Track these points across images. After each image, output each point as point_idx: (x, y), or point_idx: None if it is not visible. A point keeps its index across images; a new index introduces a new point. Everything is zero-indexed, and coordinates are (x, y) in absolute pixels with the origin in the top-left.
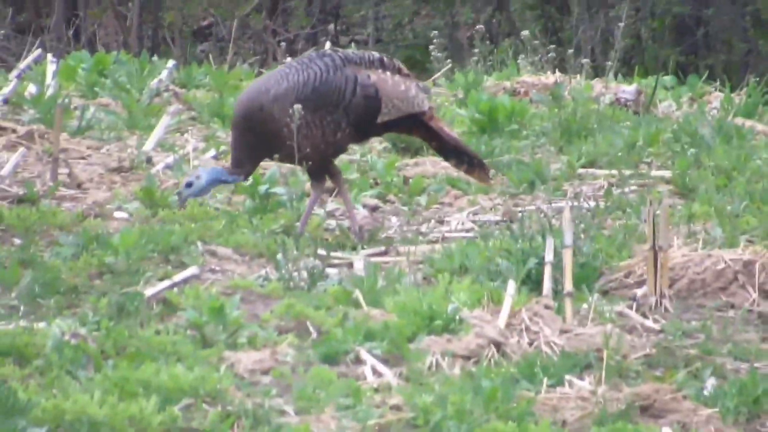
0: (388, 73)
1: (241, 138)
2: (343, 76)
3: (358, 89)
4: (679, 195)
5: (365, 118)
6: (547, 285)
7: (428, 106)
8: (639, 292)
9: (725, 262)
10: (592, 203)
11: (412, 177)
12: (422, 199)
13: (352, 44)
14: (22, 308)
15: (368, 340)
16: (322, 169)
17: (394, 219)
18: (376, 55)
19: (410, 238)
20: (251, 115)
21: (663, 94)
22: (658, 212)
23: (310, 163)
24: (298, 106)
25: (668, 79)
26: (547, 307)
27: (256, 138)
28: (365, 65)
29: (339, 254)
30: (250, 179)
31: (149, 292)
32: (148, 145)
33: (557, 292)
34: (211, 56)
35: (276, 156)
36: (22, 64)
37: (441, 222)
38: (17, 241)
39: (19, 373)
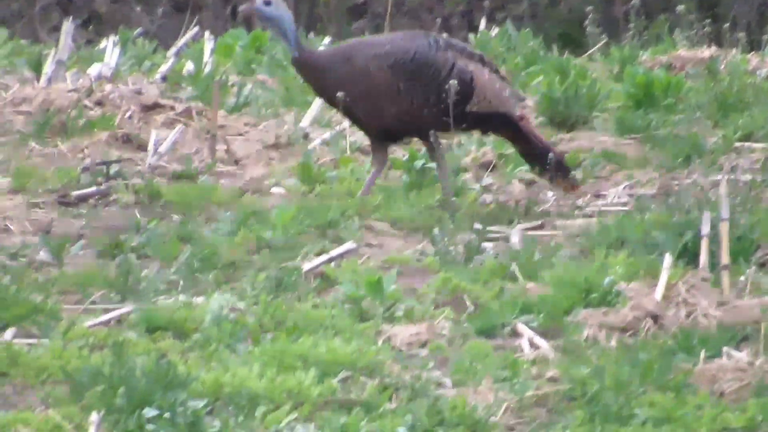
0: (487, 69)
1: (331, 55)
2: (444, 56)
3: (455, 71)
4: None
5: (455, 103)
6: (703, 258)
7: (519, 113)
8: None
9: None
10: (749, 176)
11: (567, 151)
12: (578, 173)
13: (508, 20)
14: (181, 283)
15: (525, 313)
16: (383, 145)
17: (549, 193)
18: (479, 52)
19: (566, 212)
20: (348, 57)
21: None
22: None
23: (379, 130)
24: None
25: None
26: (704, 279)
27: (340, 73)
28: (467, 55)
29: (495, 228)
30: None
31: (307, 266)
32: (305, 121)
33: (714, 265)
34: (366, 33)
35: (344, 111)
36: (180, 42)
37: (597, 196)
38: (176, 217)
39: (178, 346)
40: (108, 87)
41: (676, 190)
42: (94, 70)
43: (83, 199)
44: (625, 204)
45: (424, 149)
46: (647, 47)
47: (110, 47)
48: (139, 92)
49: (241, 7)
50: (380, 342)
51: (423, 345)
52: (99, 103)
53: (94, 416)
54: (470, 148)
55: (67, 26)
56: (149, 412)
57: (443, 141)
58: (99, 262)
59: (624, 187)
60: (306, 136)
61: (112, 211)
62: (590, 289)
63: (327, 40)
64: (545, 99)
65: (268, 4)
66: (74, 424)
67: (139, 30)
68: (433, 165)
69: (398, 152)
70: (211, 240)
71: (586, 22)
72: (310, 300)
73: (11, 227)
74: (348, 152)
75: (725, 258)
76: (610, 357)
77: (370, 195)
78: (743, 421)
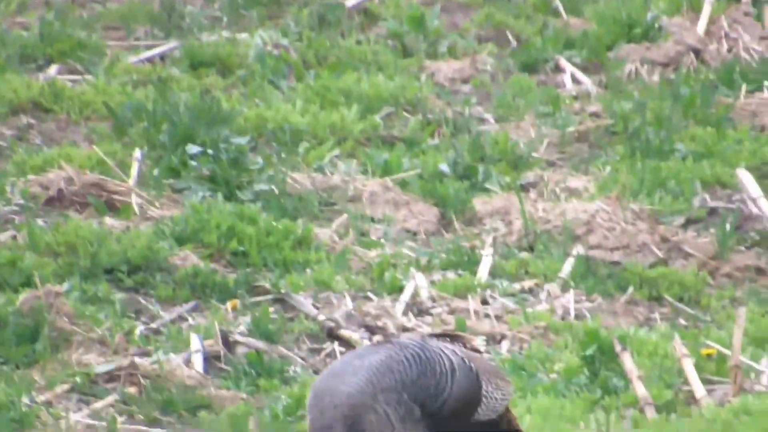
0: None
1: None
2: None
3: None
4: None
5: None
6: None
7: None
8: None
9: None
10: None
11: None
12: None
13: None
14: (225, 19)
15: (567, 48)
16: None
17: None
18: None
19: None
20: None
21: None
22: None
23: None
24: None
25: None
26: (746, 14)
27: None
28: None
29: None
30: None
31: (350, 2)
32: None
33: (756, 1)
34: None
35: None
36: None
37: None
38: None
39: (222, 83)
40: None
41: None
42: None
43: None
44: None
45: None
46: None
47: None
48: None
49: None
50: (423, 78)
51: (466, 80)
52: None
53: (137, 153)
54: None
55: None
56: (192, 148)
57: None
58: None
59: None
60: None
61: None
62: (633, 24)
63: None
64: None
65: None
66: (117, 161)
67: None
68: None
69: None
70: None
71: None
72: (354, 36)
73: None
74: None
75: None
76: (652, 92)
77: None
78: None
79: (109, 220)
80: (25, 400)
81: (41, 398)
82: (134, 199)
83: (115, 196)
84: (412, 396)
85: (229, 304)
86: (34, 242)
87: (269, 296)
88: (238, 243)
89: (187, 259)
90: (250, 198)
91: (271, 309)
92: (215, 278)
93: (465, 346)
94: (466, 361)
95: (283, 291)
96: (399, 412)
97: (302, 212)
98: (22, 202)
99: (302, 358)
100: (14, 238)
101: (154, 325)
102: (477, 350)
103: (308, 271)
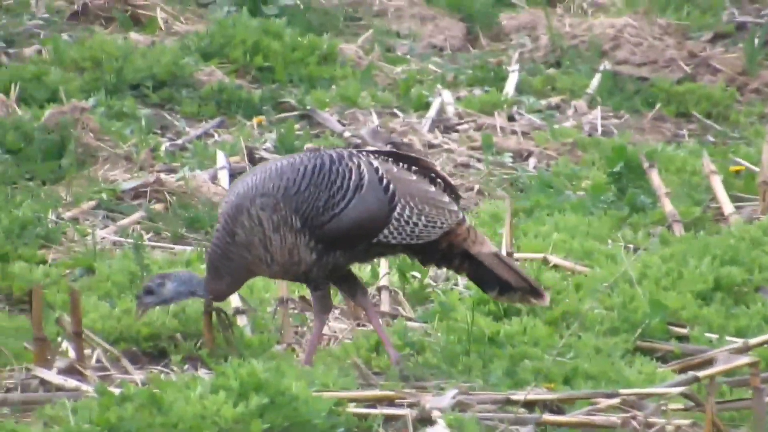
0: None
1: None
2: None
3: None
4: None
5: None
6: None
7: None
8: None
9: None
10: None
11: None
12: None
13: None
14: None
15: None
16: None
17: None
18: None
19: None
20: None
21: None
22: None
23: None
24: None
25: None
26: None
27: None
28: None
29: None
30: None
31: None
32: None
33: None
34: None
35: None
36: None
37: None
38: None
39: None
40: None
41: None
42: None
43: None
44: None
45: None
46: None
47: None
48: None
49: (137, 315)
50: None
51: None
52: None
53: None
54: None
55: None
56: None
57: None
58: None
59: None
60: None
61: None
62: None
63: None
64: None
65: (149, 292)
66: None
67: None
68: None
69: None
70: None
71: None
72: None
73: None
74: None
75: None
76: None
77: None
78: None
79: (134, 35)
80: (51, 216)
81: (67, 214)
82: (159, 14)
83: (140, 11)
84: (292, 205)
85: (254, 120)
86: (60, 57)
87: (294, 112)
88: (264, 58)
89: (213, 74)
90: (276, 13)
91: (297, 125)
92: (240, 94)
93: (415, 170)
94: (383, 181)
95: (308, 107)
96: (273, 219)
97: (327, 27)
98: (47, 16)
99: None
100: (39, 53)
101: (179, 142)
102: (436, 175)
103: (333, 87)
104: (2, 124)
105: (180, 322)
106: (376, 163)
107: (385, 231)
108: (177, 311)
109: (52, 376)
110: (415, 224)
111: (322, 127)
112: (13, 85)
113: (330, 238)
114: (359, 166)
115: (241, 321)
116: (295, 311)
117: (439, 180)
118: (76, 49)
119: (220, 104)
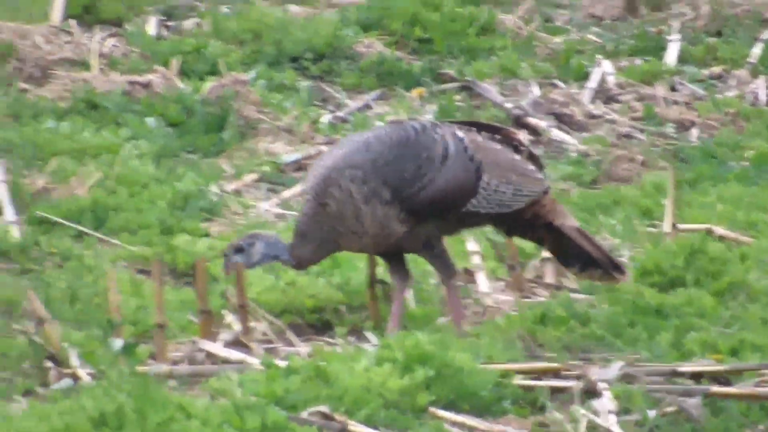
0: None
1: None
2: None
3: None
4: None
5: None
6: None
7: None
8: None
9: None
10: None
11: None
12: None
13: None
14: None
15: None
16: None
17: None
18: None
19: None
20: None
21: None
22: None
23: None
24: None
25: None
26: None
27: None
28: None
29: None
30: None
31: None
32: None
33: None
34: None
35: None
36: None
37: None
38: None
39: None
40: None
41: None
42: None
43: None
44: None
45: None
46: None
47: None
48: None
49: (223, 268)
50: None
51: None
52: None
53: None
54: None
55: None
56: None
57: None
58: None
59: None
60: None
61: None
62: None
63: None
64: None
65: (239, 250)
66: None
67: None
68: None
69: None
70: None
71: None
72: None
73: None
74: None
75: None
76: None
77: None
78: None
79: (293, 7)
80: (213, 188)
81: (230, 187)
82: None
83: None
84: (382, 177)
85: (414, 92)
86: (219, 30)
87: (455, 84)
88: (423, 30)
89: (372, 46)
90: None
91: (456, 97)
92: (400, 66)
93: (498, 139)
94: (469, 151)
95: (468, 78)
96: (363, 190)
97: None
98: None
99: None
100: (198, 25)
101: (340, 114)
102: (519, 144)
103: (493, 57)
104: (163, 97)
105: (345, 294)
106: (460, 133)
107: (474, 200)
108: (341, 283)
109: (217, 348)
110: (503, 192)
111: (482, 99)
112: (173, 59)
113: (419, 208)
114: (443, 136)
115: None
116: (458, 283)
117: (523, 148)
118: (236, 22)
119: (379, 76)
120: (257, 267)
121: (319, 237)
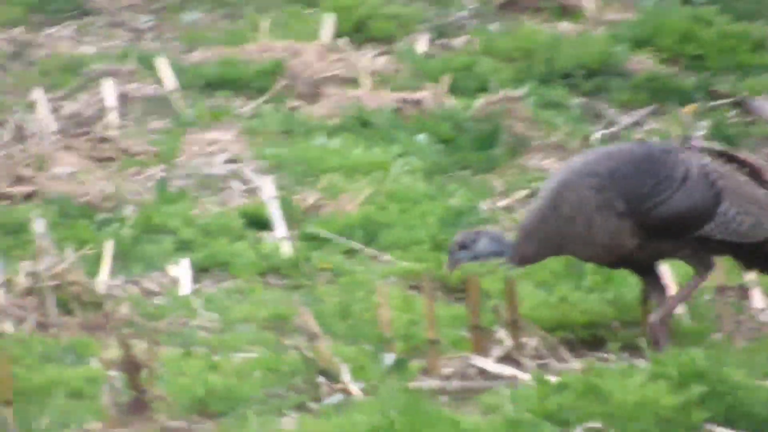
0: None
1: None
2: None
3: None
4: None
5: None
6: None
7: None
8: None
9: None
10: None
11: None
12: None
13: None
14: None
15: None
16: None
17: None
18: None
19: None
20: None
21: None
22: None
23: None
24: None
25: None
26: None
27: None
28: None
29: None
30: None
31: None
32: None
33: None
34: None
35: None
36: None
37: None
38: None
39: None
40: None
41: None
42: None
43: None
44: None
45: None
46: None
47: None
48: None
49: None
50: None
51: None
52: None
53: None
54: None
55: None
56: None
57: None
58: None
59: None
60: None
61: None
62: None
63: None
64: None
65: (464, 247)
66: None
67: None
68: None
69: None
70: None
71: None
72: None
73: None
74: None
75: None
76: None
77: None
78: None
79: (562, 25)
80: (484, 205)
81: (500, 203)
82: (585, 3)
83: (567, 1)
84: (618, 188)
85: (685, 109)
86: (489, 47)
87: (727, 100)
88: (695, 47)
89: (643, 63)
90: (705, 0)
91: (729, 113)
92: (672, 82)
93: (747, 171)
94: (711, 176)
95: (741, 94)
96: (598, 198)
97: (761, 14)
98: (476, 6)
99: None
100: (469, 43)
101: (611, 130)
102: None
103: (766, 74)
104: (434, 114)
105: (617, 310)
106: (705, 160)
107: (709, 226)
108: (614, 299)
109: (489, 364)
110: (742, 223)
111: (755, 116)
112: (443, 76)
113: (651, 225)
114: (687, 159)
115: (679, 309)
116: (733, 299)
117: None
118: (506, 39)
119: (651, 92)
120: (479, 262)
121: (544, 238)
